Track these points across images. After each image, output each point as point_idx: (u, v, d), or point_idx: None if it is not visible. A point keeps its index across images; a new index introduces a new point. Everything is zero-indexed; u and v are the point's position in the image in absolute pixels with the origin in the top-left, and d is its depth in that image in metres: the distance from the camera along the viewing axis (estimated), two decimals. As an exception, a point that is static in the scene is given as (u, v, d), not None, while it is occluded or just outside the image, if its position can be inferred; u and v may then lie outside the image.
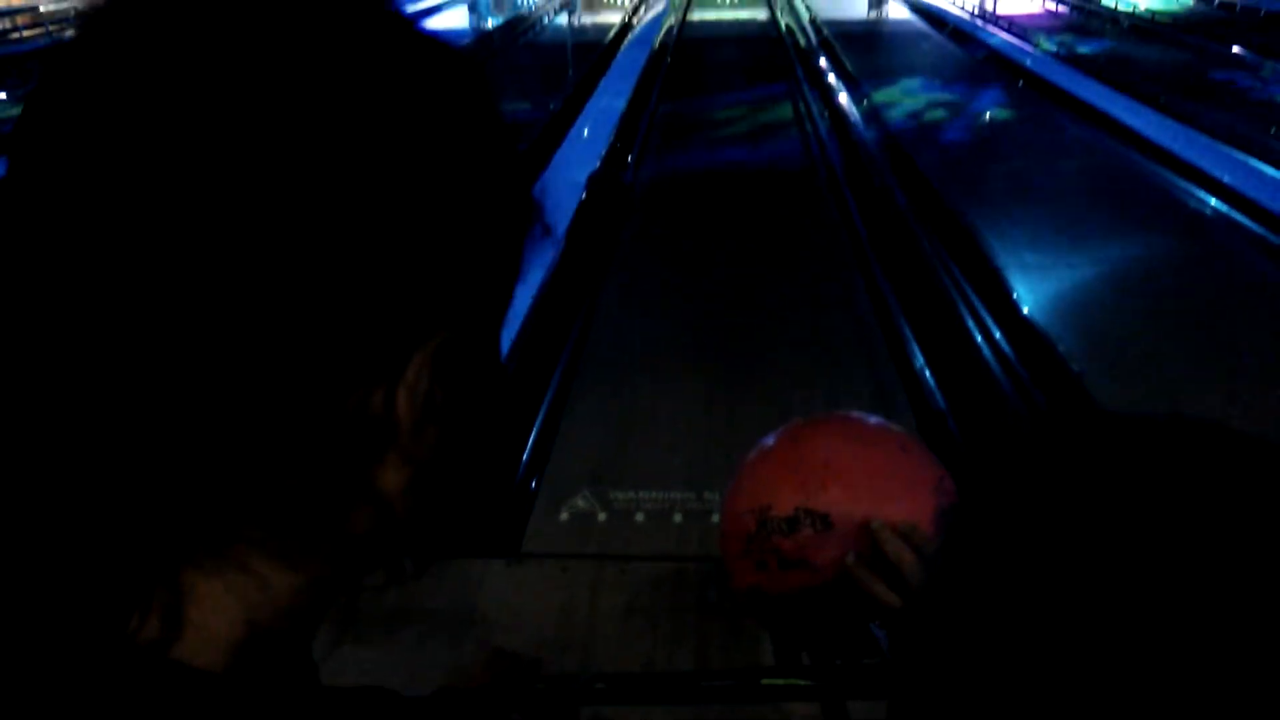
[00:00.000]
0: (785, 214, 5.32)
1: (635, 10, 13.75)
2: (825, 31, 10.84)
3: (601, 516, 2.63)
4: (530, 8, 14.86)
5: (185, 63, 0.33)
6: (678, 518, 2.61)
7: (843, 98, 7.44)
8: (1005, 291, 3.96)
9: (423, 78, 0.38)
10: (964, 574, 0.48)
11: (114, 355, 0.32)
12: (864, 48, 10.04)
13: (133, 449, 0.33)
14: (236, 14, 0.35)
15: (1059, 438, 0.50)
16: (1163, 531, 0.43)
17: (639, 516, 2.63)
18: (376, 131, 0.35)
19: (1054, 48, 9.31)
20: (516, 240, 0.43)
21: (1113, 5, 12.47)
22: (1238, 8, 11.89)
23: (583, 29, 13.60)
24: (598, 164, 5.81)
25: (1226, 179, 5.20)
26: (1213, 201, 5.12)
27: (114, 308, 0.32)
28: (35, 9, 15.37)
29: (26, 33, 12.42)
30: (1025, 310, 3.80)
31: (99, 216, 0.32)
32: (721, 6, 15.13)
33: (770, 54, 10.05)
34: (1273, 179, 5.22)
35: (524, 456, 2.89)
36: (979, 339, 3.58)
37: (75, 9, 15.12)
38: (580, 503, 2.68)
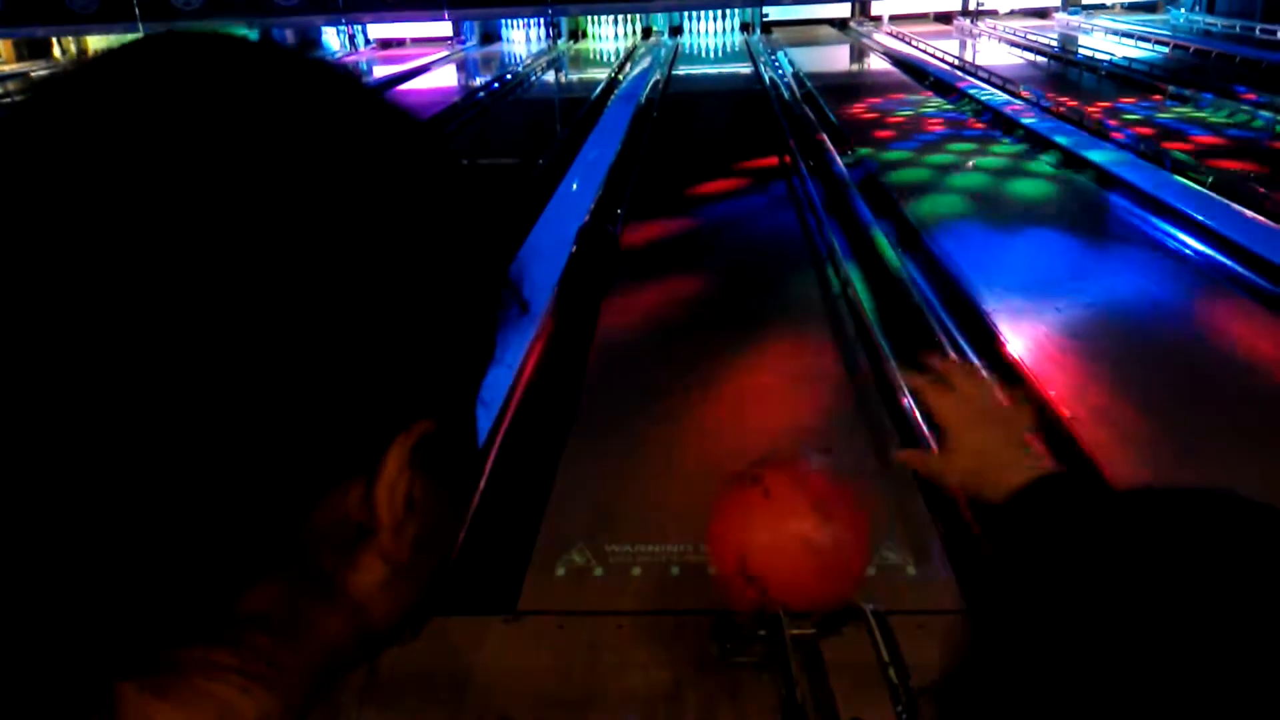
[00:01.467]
0: (769, 249, 5.37)
1: (621, 67, 13.95)
2: (809, 84, 11.00)
3: (598, 571, 2.61)
4: (518, 65, 15.07)
5: (157, 148, 0.31)
6: (675, 570, 2.59)
7: (829, 148, 7.53)
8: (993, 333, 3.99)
9: (392, 160, 0.36)
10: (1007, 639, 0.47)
11: (54, 461, 0.29)
12: (848, 100, 10.19)
13: (63, 566, 0.30)
14: (203, 97, 0.33)
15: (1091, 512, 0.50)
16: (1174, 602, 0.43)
17: (635, 570, 2.60)
18: (352, 222, 0.33)
19: (1035, 98, 9.45)
20: (493, 321, 0.41)
21: (1090, 55, 12.72)
22: (1212, 55, 12.14)
23: (570, 85, 13.79)
24: (586, 216, 5.85)
25: (1202, 219, 5.27)
26: (1193, 241, 5.18)
27: (59, 404, 0.29)
28: (26, 74, 15.53)
29: (19, 98, 12.53)
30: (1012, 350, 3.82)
31: (51, 305, 0.29)
32: (706, 61, 15.37)
33: (756, 107, 10.18)
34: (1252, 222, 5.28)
35: (519, 512, 2.87)
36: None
37: (67, 73, 15.25)
38: (576, 557, 2.66)
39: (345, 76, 0.38)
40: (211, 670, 0.33)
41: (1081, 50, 13.47)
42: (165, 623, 0.32)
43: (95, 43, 17.96)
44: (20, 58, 17.56)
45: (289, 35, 17.85)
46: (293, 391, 0.31)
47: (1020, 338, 3.99)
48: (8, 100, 12.33)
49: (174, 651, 0.32)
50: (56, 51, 18.32)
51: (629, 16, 18.60)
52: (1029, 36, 14.93)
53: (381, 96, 0.39)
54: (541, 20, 18.43)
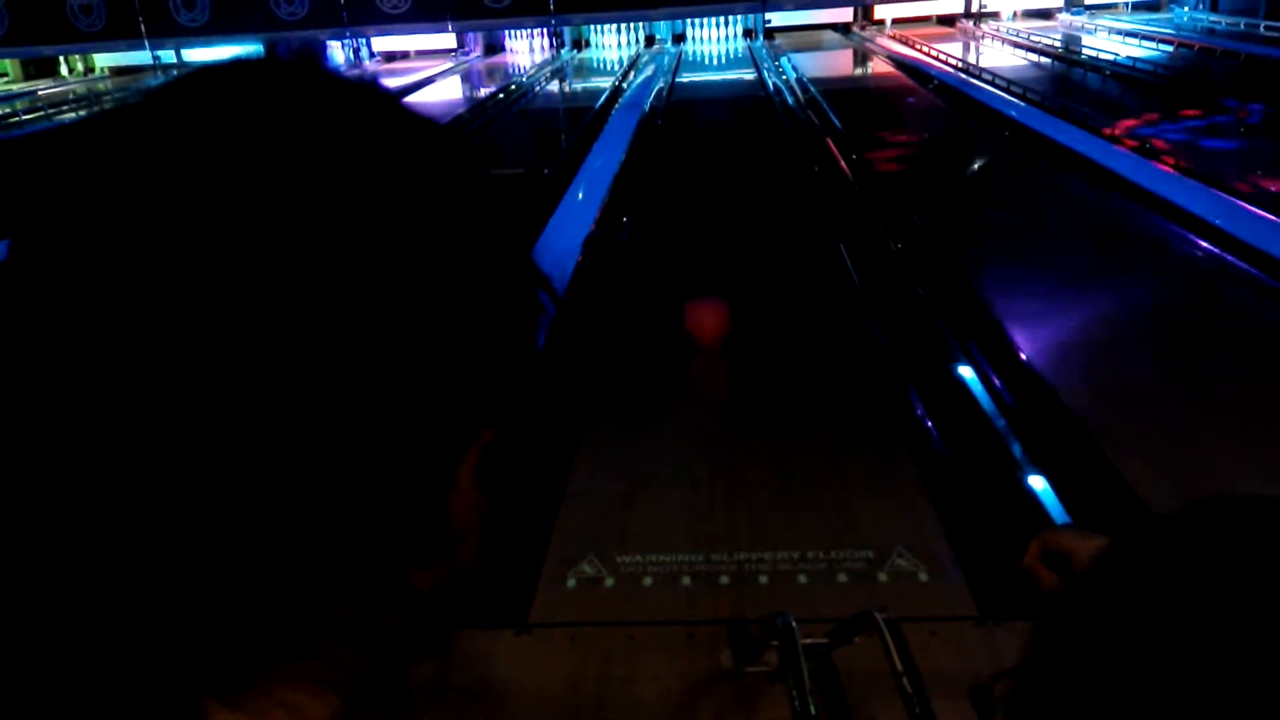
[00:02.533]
0: (777, 269, 5.36)
1: (625, 75, 13.97)
2: (812, 90, 11.00)
3: (609, 582, 2.60)
4: (522, 76, 15.11)
5: (222, 189, 0.31)
6: (686, 580, 2.58)
7: (833, 150, 7.53)
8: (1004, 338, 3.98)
9: (448, 177, 0.38)
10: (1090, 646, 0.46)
11: (171, 491, 0.30)
12: (852, 104, 10.18)
13: (170, 589, 0.30)
14: (268, 137, 0.33)
15: (1197, 520, 0.49)
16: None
17: (647, 580, 2.59)
18: (425, 246, 0.34)
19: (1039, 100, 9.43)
20: (534, 325, 0.42)
21: (1094, 55, 12.69)
22: (1217, 53, 12.10)
23: (574, 94, 13.81)
24: (592, 226, 5.85)
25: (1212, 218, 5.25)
26: (1201, 241, 5.17)
27: (175, 440, 0.29)
28: (34, 93, 15.62)
29: (26, 116, 12.61)
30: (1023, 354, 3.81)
31: (147, 330, 0.30)
32: (710, 68, 15.39)
33: (760, 115, 10.18)
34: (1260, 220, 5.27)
35: (529, 523, 2.86)
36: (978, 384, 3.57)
37: (72, 92, 15.37)
38: (587, 568, 2.65)
39: (398, 100, 0.39)
40: (295, 681, 0.34)
41: (1085, 50, 13.45)
42: (265, 639, 0.33)
43: (102, 60, 18.05)
44: (28, 76, 17.68)
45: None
46: (386, 411, 0.32)
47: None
48: (16, 120, 12.31)
49: (265, 666, 0.34)
50: (64, 70, 18.43)
51: (632, 25, 18.63)
52: (1032, 38, 14.91)
53: (433, 120, 0.41)
54: (545, 30, 18.48)
